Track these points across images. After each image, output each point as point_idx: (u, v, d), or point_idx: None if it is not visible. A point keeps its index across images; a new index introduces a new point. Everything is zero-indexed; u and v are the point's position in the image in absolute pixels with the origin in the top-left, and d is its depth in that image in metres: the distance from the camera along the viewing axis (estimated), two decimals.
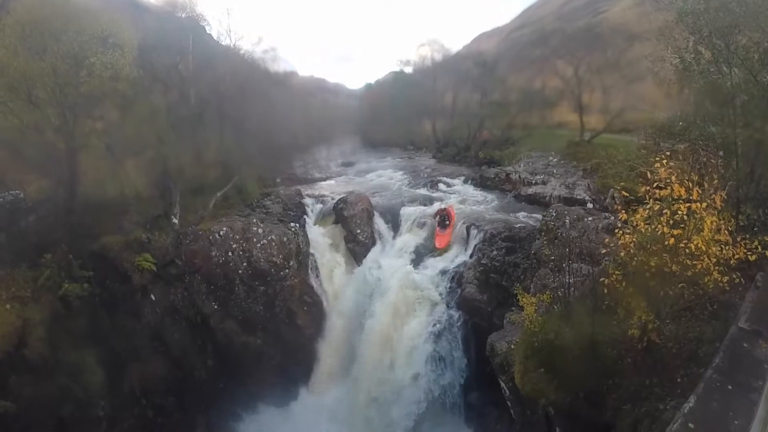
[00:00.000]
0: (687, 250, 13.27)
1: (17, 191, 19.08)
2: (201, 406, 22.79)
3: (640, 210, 14.54)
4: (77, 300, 18.89)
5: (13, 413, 15.27)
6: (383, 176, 31.16)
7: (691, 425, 9.29)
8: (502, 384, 19.47)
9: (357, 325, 25.06)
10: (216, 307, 24.11)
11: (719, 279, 13.08)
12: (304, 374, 25.63)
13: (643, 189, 14.37)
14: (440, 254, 24.81)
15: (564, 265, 17.89)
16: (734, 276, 13.14)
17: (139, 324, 21.23)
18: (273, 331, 25.63)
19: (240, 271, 24.96)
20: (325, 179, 31.21)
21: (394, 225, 26.85)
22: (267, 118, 27.53)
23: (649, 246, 14.03)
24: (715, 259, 13.23)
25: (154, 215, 23.30)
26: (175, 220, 23.64)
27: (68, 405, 17.44)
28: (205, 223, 24.50)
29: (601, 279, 15.41)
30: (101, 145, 20.84)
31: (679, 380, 13.53)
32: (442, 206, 27.12)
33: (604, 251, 16.56)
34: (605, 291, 15.18)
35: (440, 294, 23.37)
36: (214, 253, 24.23)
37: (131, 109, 21.23)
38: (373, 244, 26.71)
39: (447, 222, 26.14)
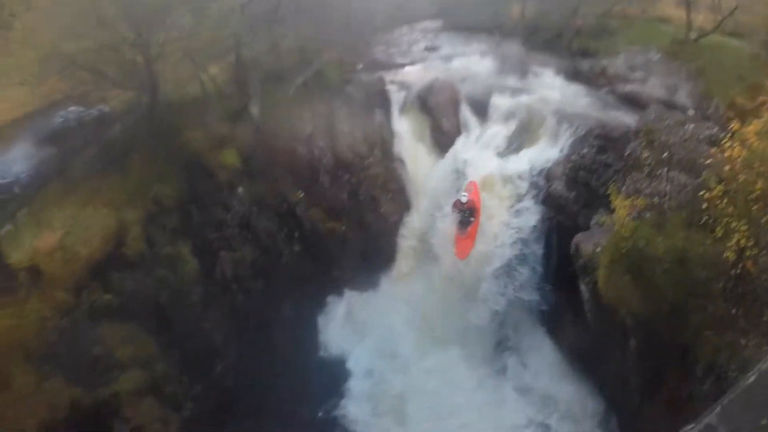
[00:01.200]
0: None
1: (101, 106, 19.58)
2: (287, 290, 24.08)
3: (754, 122, 13.12)
4: (169, 199, 19.80)
5: (117, 304, 16.77)
6: (469, 63, 29.15)
7: None
8: (583, 287, 19.17)
9: (440, 215, 24.97)
10: (301, 195, 24.64)
11: None
12: (386, 262, 26.39)
13: (759, 100, 12.85)
14: (529, 147, 23.64)
15: (660, 171, 16.70)
16: None
17: (228, 215, 22.13)
18: (357, 219, 26.22)
19: (324, 161, 25.20)
20: (407, 65, 29.66)
21: (481, 115, 25.59)
22: None
23: (758, 165, 12.76)
24: None
25: (235, 109, 23.41)
26: (257, 112, 23.66)
27: (165, 293, 18.92)
28: (286, 112, 24.40)
29: (701, 192, 14.37)
30: (178, 52, 20.80)
31: (765, 319, 12.73)
32: (465, 190, 22.49)
33: (707, 161, 15.22)
34: (704, 206, 14.21)
35: (526, 188, 22.65)
36: (296, 143, 24.42)
37: (205, 12, 20.81)
38: (459, 134, 25.81)
39: (471, 218, 22.05)
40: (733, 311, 13.54)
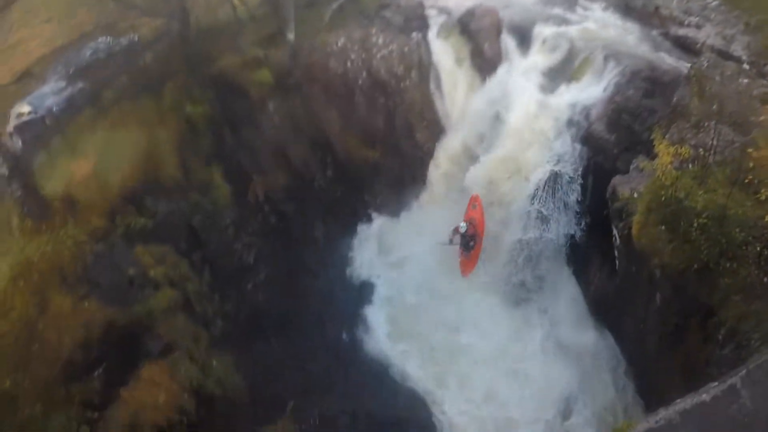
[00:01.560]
0: None
1: (131, 35, 19.22)
2: (319, 213, 24.41)
3: None
4: (201, 120, 19.90)
5: (150, 227, 17.30)
6: None
7: None
8: (615, 232, 18.86)
9: (476, 144, 24.51)
10: (337, 121, 24.41)
11: None
12: (418, 188, 26.17)
13: None
14: (571, 82, 22.58)
15: (708, 124, 15.95)
16: None
17: (261, 139, 22.20)
18: (391, 144, 25.87)
19: (359, 82, 24.56)
20: None
21: (524, 44, 24.29)
22: None
23: None
24: None
25: (269, 33, 22.87)
26: (291, 36, 23.15)
27: (198, 216, 19.43)
28: (321, 36, 23.83)
29: (749, 150, 13.77)
30: None
31: None
32: (464, 218, 22.63)
33: (760, 119, 14.48)
34: (750, 165, 13.66)
35: (564, 125, 21.88)
36: (332, 64, 23.87)
37: None
38: (500, 62, 24.70)
39: (472, 243, 22.63)
40: (765, 280, 13.25)
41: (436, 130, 25.69)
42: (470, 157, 24.46)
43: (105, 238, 16.05)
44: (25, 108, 16.18)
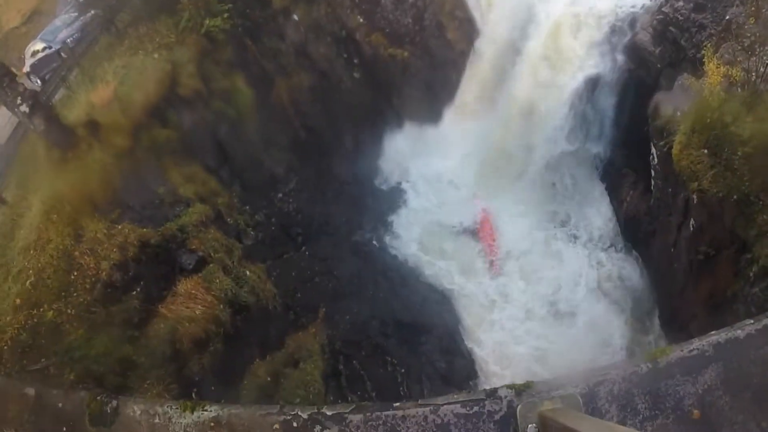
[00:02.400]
0: None
1: None
2: (347, 118, 23.98)
3: None
4: (221, 33, 19.08)
5: (176, 139, 17.21)
6: None
7: None
8: (654, 150, 18.27)
9: (511, 47, 23.26)
10: (361, 20, 23.36)
11: None
12: (450, 93, 25.28)
13: None
14: None
15: (762, 48, 14.81)
16: None
17: (283, 44, 21.50)
18: (421, 44, 24.78)
19: None
20: None
21: None
22: None
23: None
24: None
25: None
26: None
27: (224, 126, 19.25)
28: None
29: None
30: None
31: None
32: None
33: None
34: None
35: (607, 32, 20.48)
36: None
37: None
38: None
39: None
40: None
41: (469, 30, 24.37)
42: (503, 62, 23.41)
43: (131, 154, 16.02)
44: (38, 45, 15.81)
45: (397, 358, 20.45)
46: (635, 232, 20.69)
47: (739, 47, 15.16)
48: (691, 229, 16.17)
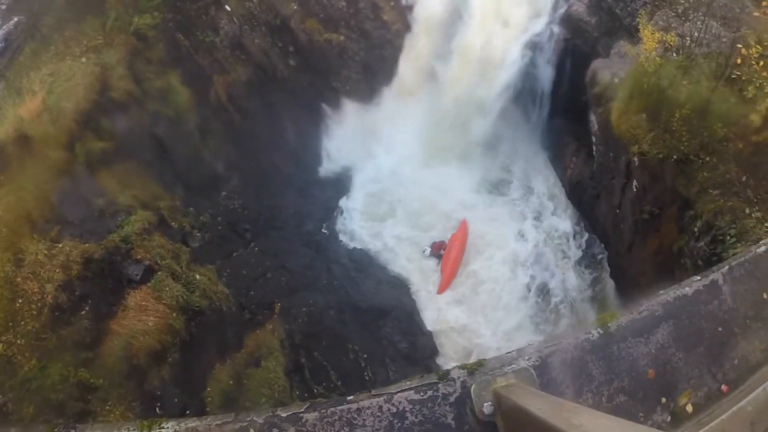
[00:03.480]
0: None
1: None
2: (285, 107, 23.43)
3: None
4: (151, 31, 18.17)
5: (112, 149, 16.40)
6: None
7: None
8: (594, 117, 18.71)
9: (447, 22, 23.20)
10: (295, 7, 22.74)
11: None
12: (389, 72, 25.00)
13: None
14: None
15: (695, 15, 15.27)
16: None
17: (217, 37, 20.67)
18: (357, 27, 24.38)
19: None
20: None
21: None
22: None
23: None
24: None
25: None
26: None
27: (160, 127, 18.41)
28: None
29: (737, 46, 13.36)
30: None
31: None
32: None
33: (745, 18, 13.90)
34: (738, 61, 13.33)
35: (542, 5, 20.68)
36: None
37: None
38: None
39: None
40: (744, 178, 13.38)
41: (405, 8, 24.09)
42: (441, 38, 23.28)
43: (67, 170, 15.18)
44: None
45: (359, 345, 20.37)
46: (580, 197, 21.19)
47: (673, 14, 15.59)
48: (634, 190, 16.69)
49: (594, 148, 19.07)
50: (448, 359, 20.30)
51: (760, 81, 12.97)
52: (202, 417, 7.95)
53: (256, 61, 22.51)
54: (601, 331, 7.47)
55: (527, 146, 22.88)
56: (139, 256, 16.35)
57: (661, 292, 7.99)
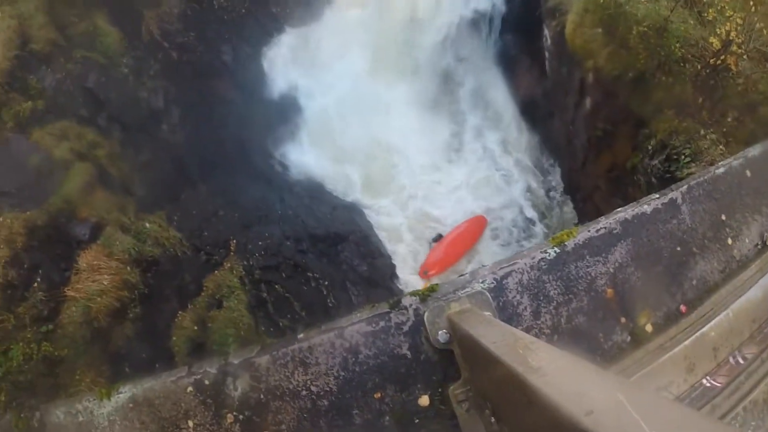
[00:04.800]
0: None
1: None
2: (224, 36, 21.79)
3: None
4: None
5: (42, 107, 14.93)
6: None
7: (748, 172, 9.06)
8: (547, 32, 18.26)
9: None
10: None
11: None
12: None
13: None
14: None
15: None
16: None
17: None
18: None
19: None
20: None
21: None
22: None
23: None
24: None
25: None
26: None
27: (91, 75, 16.81)
28: None
29: None
30: None
31: (728, 120, 12.95)
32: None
33: None
34: None
35: None
36: None
37: None
38: None
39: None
40: (700, 100, 13.48)
41: None
42: None
43: None
44: None
45: (319, 272, 20.38)
46: (533, 114, 21.03)
47: None
48: (588, 107, 16.59)
49: (547, 64, 18.69)
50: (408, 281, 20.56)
51: (722, 4, 12.75)
52: (156, 374, 7.81)
53: None
54: (558, 250, 7.34)
55: (479, 59, 22.13)
56: (84, 215, 15.55)
57: (619, 209, 7.96)
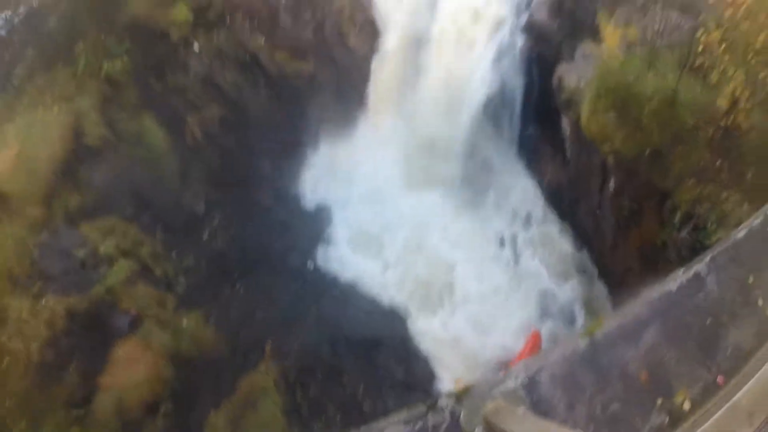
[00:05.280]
0: None
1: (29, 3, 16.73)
2: (262, 143, 23.36)
3: None
4: (122, 75, 18.08)
5: (91, 202, 16.05)
6: None
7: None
8: (565, 122, 18.89)
9: (414, 42, 23.20)
10: (263, 41, 22.68)
11: None
12: (361, 97, 24.82)
13: None
14: None
15: (654, 7, 15.57)
16: None
17: (188, 77, 20.62)
18: (324, 55, 24.38)
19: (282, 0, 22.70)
20: None
21: None
22: None
23: (763, 17, 12.44)
24: None
25: None
26: None
27: (137, 171, 18.25)
28: None
29: (698, 33, 13.58)
30: None
31: (749, 176, 12.83)
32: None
33: (703, 5, 14.18)
34: (699, 48, 13.53)
35: (506, 15, 20.79)
36: None
37: None
38: None
39: None
40: (718, 163, 13.56)
41: (371, 32, 24.11)
42: (407, 58, 23.31)
43: (46, 226, 14.83)
44: None
45: (355, 376, 20.19)
46: (560, 203, 21.24)
47: (633, 8, 15.90)
48: (612, 188, 16.76)
49: (568, 151, 19.18)
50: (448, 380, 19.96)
51: (723, 65, 13.20)
52: None
53: (229, 97, 22.53)
54: (588, 341, 7.41)
55: (504, 158, 22.84)
56: (124, 307, 16.01)
57: (645, 291, 7.98)
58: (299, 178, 24.89)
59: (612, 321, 7.63)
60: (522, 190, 22.81)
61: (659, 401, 7.21)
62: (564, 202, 20.93)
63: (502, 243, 22.76)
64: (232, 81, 22.50)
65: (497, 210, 23.35)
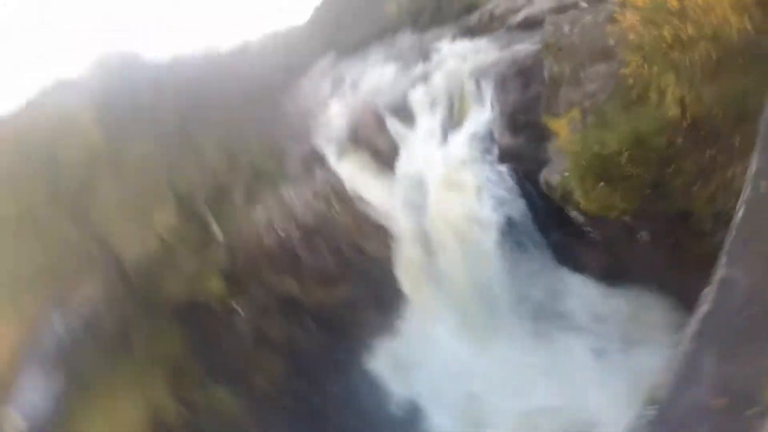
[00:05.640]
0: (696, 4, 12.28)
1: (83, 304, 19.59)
2: (324, 370, 23.59)
3: None
4: (180, 352, 20.11)
5: None
6: (374, 75, 29.02)
7: (763, 184, 8.55)
8: (573, 214, 18.89)
9: (421, 224, 24.52)
10: (293, 282, 24.71)
11: (739, 24, 12.00)
12: (397, 295, 25.52)
13: None
14: (462, 120, 23.33)
15: (581, 74, 16.78)
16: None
17: (240, 339, 22.59)
18: (351, 272, 25.67)
19: (292, 235, 25.13)
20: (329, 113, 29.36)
21: (408, 118, 25.44)
22: None
23: (655, 17, 13.06)
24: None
25: (198, 242, 23.59)
26: (218, 234, 24.01)
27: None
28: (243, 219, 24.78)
29: (621, 71, 14.47)
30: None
31: (737, 143, 12.60)
32: None
33: (612, 42, 15.35)
34: (630, 82, 14.25)
35: (480, 153, 22.33)
36: (265, 240, 24.68)
37: None
38: (398, 147, 25.62)
39: None
40: (707, 154, 13.34)
41: (382, 233, 25.76)
42: (423, 238, 24.46)
43: None
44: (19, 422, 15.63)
45: None
46: (617, 282, 20.19)
47: (569, 87, 17.09)
48: (647, 238, 16.62)
49: (592, 235, 19.10)
50: None
51: (654, 82, 13.87)
52: None
53: (280, 344, 23.47)
54: (656, 407, 6.52)
55: (545, 271, 22.30)
56: None
57: (687, 325, 7.42)
58: (374, 394, 24.13)
59: (667, 375, 6.90)
60: (579, 294, 21.74)
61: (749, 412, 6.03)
62: (617, 274, 19.90)
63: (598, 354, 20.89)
64: (279, 328, 23.76)
65: (559, 334, 21.95)
